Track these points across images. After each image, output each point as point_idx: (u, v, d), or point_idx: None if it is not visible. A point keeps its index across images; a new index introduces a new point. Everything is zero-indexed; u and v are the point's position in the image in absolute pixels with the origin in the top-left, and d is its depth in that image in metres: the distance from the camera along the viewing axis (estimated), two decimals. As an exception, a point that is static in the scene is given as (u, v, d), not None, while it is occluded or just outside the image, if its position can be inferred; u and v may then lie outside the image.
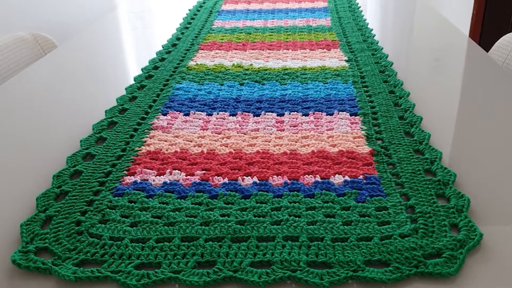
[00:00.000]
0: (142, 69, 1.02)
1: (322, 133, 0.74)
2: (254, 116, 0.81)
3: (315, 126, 0.76)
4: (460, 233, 0.51)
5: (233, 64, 1.03)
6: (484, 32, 2.28)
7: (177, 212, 0.57)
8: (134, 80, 0.97)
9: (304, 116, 0.80)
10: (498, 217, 0.55)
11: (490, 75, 0.98)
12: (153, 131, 0.76)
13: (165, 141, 0.73)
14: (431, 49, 1.16)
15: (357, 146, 0.70)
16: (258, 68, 1.01)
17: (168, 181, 0.63)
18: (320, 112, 0.81)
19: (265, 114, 0.81)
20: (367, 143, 0.70)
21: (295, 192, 0.60)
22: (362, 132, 0.73)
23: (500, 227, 0.54)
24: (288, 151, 0.69)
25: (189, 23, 1.35)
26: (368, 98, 0.85)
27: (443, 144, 0.70)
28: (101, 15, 1.55)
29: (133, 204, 0.59)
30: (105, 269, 0.49)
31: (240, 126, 0.77)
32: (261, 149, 0.70)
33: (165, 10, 1.60)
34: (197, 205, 0.58)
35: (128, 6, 1.72)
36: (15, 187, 0.64)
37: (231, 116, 0.81)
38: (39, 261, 0.49)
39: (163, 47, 1.16)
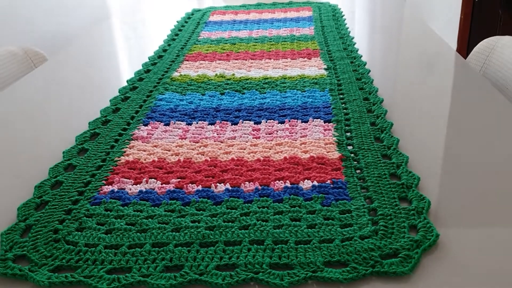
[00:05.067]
0: (127, 81, 1.05)
1: (295, 140, 0.77)
2: (232, 124, 0.83)
3: (289, 133, 0.79)
4: (418, 234, 0.54)
5: (216, 74, 1.06)
6: (472, 37, 2.31)
7: (150, 219, 0.59)
8: (119, 92, 1.00)
9: (280, 124, 0.83)
10: (457, 219, 0.58)
11: (465, 82, 1.00)
12: (133, 141, 0.79)
13: (144, 151, 0.76)
14: (412, 56, 1.18)
15: (327, 152, 0.72)
16: (240, 77, 1.04)
17: (144, 190, 0.66)
18: (296, 120, 0.83)
19: (242, 123, 0.84)
20: (337, 149, 0.73)
21: (265, 197, 0.63)
22: (334, 138, 0.76)
23: (458, 228, 0.56)
24: (262, 158, 0.72)
25: (176, 35, 1.38)
26: (343, 105, 0.88)
27: (411, 149, 0.72)
28: (92, 27, 1.58)
29: (109, 212, 0.61)
30: (79, 274, 0.51)
31: (217, 134, 0.80)
32: (236, 157, 0.73)
33: (155, 22, 1.63)
34: (169, 212, 0.61)
35: (120, 16, 1.76)
36: (-2, 198, 0.67)
37: (210, 125, 0.83)
38: (16, 268, 0.52)
39: (149, 59, 1.19)
